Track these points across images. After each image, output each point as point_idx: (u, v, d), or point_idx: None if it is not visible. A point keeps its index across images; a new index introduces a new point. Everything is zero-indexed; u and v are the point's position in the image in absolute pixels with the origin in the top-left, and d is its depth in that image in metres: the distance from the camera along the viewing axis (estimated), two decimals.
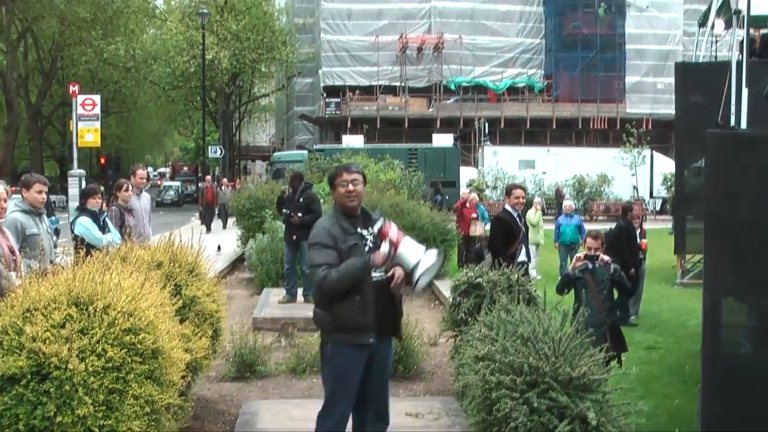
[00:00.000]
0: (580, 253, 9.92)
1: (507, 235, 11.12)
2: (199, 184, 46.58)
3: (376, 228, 6.20)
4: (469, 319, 8.71)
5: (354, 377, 6.24)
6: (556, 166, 44.81)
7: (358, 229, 6.31)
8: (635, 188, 44.86)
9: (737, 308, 8.41)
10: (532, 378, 6.44)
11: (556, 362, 6.49)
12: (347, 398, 6.30)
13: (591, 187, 45.39)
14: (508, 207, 11.39)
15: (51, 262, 7.78)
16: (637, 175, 44.72)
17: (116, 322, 5.27)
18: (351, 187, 6.24)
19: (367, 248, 6.23)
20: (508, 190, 11.69)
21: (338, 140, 50.10)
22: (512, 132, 61.10)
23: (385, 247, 6.06)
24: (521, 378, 6.45)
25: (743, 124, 8.28)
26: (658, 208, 45.99)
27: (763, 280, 7.90)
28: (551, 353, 6.61)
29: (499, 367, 6.66)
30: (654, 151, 46.64)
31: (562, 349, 6.66)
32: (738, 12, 9.74)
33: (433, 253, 6.17)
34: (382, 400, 6.55)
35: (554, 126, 62.60)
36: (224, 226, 35.50)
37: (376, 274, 6.21)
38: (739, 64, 8.63)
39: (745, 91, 8.29)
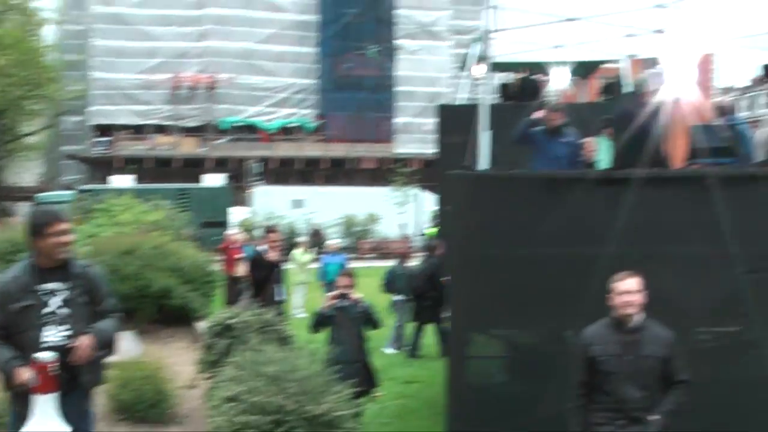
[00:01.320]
0: (332, 292, 10.09)
1: (262, 274, 11.26)
2: None
3: (40, 357, 5.47)
4: (223, 360, 8.70)
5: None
6: (327, 206, 45.22)
7: (48, 284, 5.72)
8: (402, 226, 45.87)
9: (484, 341, 8.78)
10: (277, 417, 6.48)
11: (301, 400, 6.57)
12: None
13: (360, 226, 46.06)
14: (262, 248, 11.54)
15: None
16: (408, 213, 45.77)
17: None
18: (65, 238, 5.73)
19: (47, 309, 5.67)
20: (265, 232, 11.88)
21: (108, 180, 48.89)
22: (285, 171, 61.41)
23: (31, 376, 5.44)
24: (267, 418, 6.48)
25: (486, 165, 8.67)
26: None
27: (505, 314, 8.30)
28: (298, 391, 6.68)
29: (246, 408, 6.68)
30: (422, 190, 47.94)
31: (308, 387, 6.74)
32: (484, 58, 10.19)
33: None
34: None
35: (326, 165, 63.38)
36: None
37: (53, 338, 5.66)
38: (487, 106, 9.03)
39: (487, 134, 8.69)
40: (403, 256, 17.82)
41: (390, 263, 19.47)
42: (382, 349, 16.12)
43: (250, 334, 8.72)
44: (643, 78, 10.56)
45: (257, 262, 11.53)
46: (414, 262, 18.15)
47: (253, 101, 63.16)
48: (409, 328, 16.28)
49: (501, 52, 10.82)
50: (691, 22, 10.18)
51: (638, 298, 6.19)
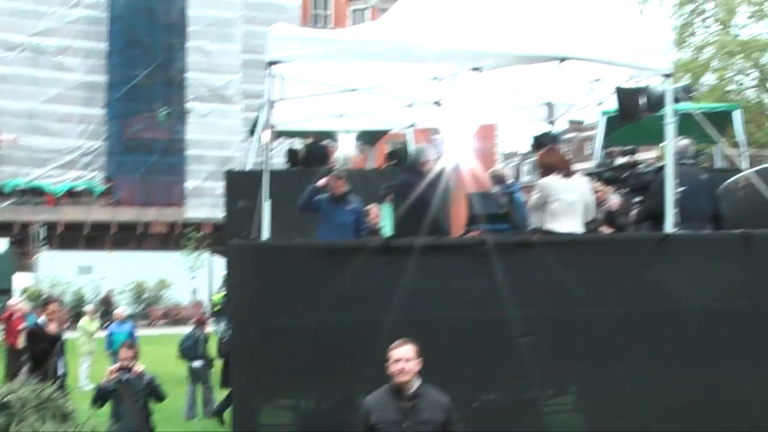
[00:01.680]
0: (114, 365, 9.89)
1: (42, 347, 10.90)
2: None
3: None
4: None
5: None
6: (117, 271, 44.21)
7: None
8: (194, 292, 45.34)
9: (271, 411, 8.75)
10: None
11: None
12: None
13: (151, 291, 45.23)
14: (41, 320, 11.19)
15: None
16: (200, 278, 45.25)
17: None
18: None
19: None
20: (43, 304, 11.54)
21: None
22: (72, 236, 59.44)
23: None
24: None
25: (267, 234, 8.72)
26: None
27: (292, 383, 8.32)
28: None
29: None
30: (213, 255, 47.54)
31: None
32: (269, 124, 10.25)
33: None
34: None
35: (115, 230, 61.82)
36: None
37: None
38: (268, 174, 9.07)
39: (268, 202, 8.76)
40: (200, 321, 17.66)
41: (182, 330, 19.24)
42: (197, 418, 15.85)
43: (28, 412, 8.37)
44: (422, 147, 10.89)
45: (36, 335, 11.13)
46: (210, 327, 18.00)
47: (38, 163, 60.90)
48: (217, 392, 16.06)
49: (285, 120, 10.96)
50: (467, 94, 10.63)
51: (413, 366, 6.36)
